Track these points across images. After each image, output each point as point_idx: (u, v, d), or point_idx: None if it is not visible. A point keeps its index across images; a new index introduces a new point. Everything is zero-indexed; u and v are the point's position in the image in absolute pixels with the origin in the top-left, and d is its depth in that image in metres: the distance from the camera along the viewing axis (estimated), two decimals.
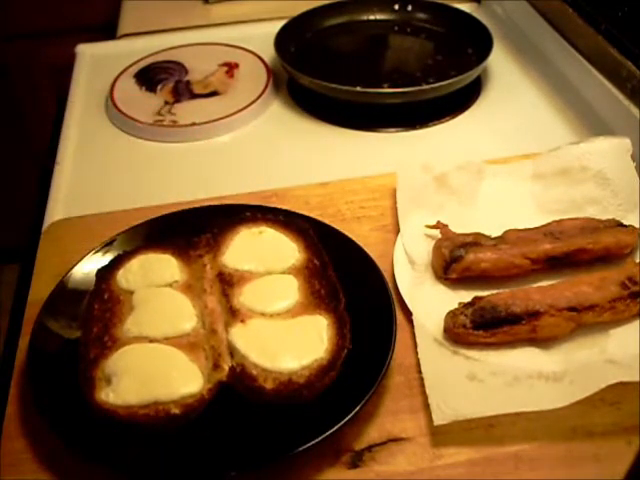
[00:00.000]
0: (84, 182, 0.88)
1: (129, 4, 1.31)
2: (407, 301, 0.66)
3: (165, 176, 0.89)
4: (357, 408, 0.56)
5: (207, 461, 0.54)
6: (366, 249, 0.70)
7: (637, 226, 0.71)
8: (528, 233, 0.70)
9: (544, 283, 0.67)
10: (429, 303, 0.66)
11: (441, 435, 0.57)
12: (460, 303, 0.64)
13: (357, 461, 0.56)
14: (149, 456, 0.54)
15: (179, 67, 1.07)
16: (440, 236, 0.71)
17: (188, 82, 1.04)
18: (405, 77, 1.01)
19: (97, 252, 0.70)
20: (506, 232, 0.70)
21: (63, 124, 0.98)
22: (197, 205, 0.77)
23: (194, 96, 1.01)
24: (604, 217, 0.72)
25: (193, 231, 0.72)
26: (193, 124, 0.95)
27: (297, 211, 0.76)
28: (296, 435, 0.54)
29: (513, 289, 0.65)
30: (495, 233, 0.70)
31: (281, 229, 0.72)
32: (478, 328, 0.61)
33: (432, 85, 0.95)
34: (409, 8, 1.14)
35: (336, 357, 0.60)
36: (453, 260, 0.67)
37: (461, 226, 0.71)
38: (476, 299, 0.63)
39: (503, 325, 0.61)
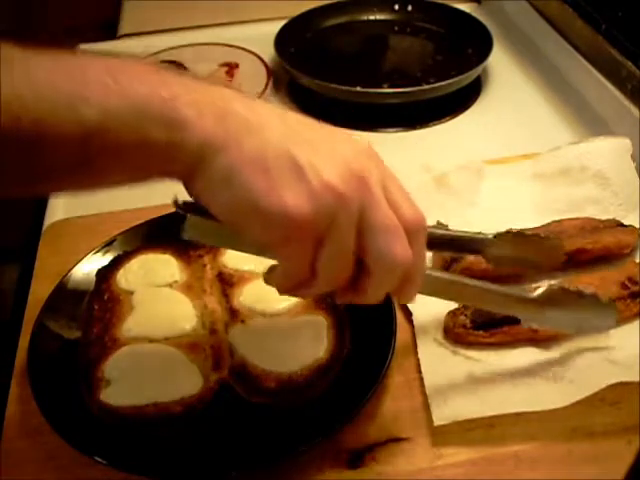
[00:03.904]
0: None
1: (129, 4, 1.31)
2: None
3: None
4: (357, 408, 0.56)
5: (208, 461, 0.54)
6: None
7: (637, 226, 0.71)
8: None
9: (544, 283, 0.67)
10: (429, 303, 0.66)
11: (441, 435, 0.57)
12: None
13: (357, 461, 0.56)
14: (150, 456, 0.54)
15: (179, 67, 1.07)
16: None
17: None
18: (405, 77, 1.01)
19: (97, 252, 0.70)
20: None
21: None
22: None
23: None
24: (604, 217, 0.72)
25: None
26: None
27: None
28: (296, 435, 0.54)
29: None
30: None
31: None
32: (478, 328, 0.61)
33: (432, 85, 0.95)
34: (409, 8, 1.14)
35: (336, 357, 0.60)
36: (453, 260, 0.67)
37: (461, 226, 0.71)
38: None
39: (503, 325, 0.61)
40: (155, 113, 0.41)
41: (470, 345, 0.62)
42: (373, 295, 0.48)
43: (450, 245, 0.62)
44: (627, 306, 0.63)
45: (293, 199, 0.42)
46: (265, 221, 0.43)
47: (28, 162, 0.39)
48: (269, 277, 0.49)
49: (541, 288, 0.57)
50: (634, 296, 0.63)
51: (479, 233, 0.70)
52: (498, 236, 0.62)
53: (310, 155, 0.43)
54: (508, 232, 0.62)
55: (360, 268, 0.46)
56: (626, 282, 0.64)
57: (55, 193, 0.45)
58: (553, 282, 0.66)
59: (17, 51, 0.40)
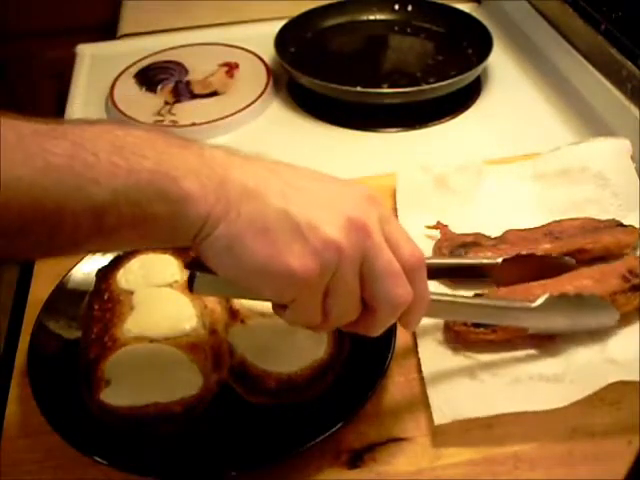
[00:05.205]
0: None
1: (129, 4, 1.31)
2: None
3: None
4: (357, 408, 0.56)
5: (207, 461, 0.54)
6: None
7: (637, 226, 0.71)
8: (528, 233, 0.70)
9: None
10: None
11: (441, 435, 0.57)
12: None
13: (357, 461, 0.56)
14: (150, 456, 0.54)
15: (179, 67, 1.07)
16: (440, 236, 0.71)
17: (188, 82, 1.04)
18: (405, 77, 1.01)
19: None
20: (506, 232, 0.70)
21: None
22: None
23: (194, 96, 1.01)
24: (604, 217, 0.72)
25: None
26: (193, 124, 0.95)
27: None
28: (296, 435, 0.54)
29: (514, 286, 0.65)
30: (495, 233, 0.70)
31: None
32: (479, 325, 0.61)
33: (432, 85, 0.95)
34: (409, 8, 1.14)
35: (336, 357, 0.60)
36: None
37: (461, 226, 0.71)
38: (477, 296, 0.63)
39: None
40: (160, 189, 0.42)
41: (471, 343, 0.62)
42: (377, 329, 0.50)
43: (460, 272, 0.65)
44: (628, 299, 0.62)
45: (297, 260, 0.44)
46: (272, 282, 0.45)
47: (50, 235, 0.42)
48: (279, 312, 0.50)
49: (542, 297, 0.59)
50: (635, 289, 0.63)
51: (479, 233, 0.70)
52: (505, 260, 0.64)
53: (309, 212, 0.45)
54: (517, 255, 0.65)
55: (364, 306, 0.48)
56: (627, 275, 0.63)
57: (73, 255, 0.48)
58: None
59: (28, 130, 0.41)
